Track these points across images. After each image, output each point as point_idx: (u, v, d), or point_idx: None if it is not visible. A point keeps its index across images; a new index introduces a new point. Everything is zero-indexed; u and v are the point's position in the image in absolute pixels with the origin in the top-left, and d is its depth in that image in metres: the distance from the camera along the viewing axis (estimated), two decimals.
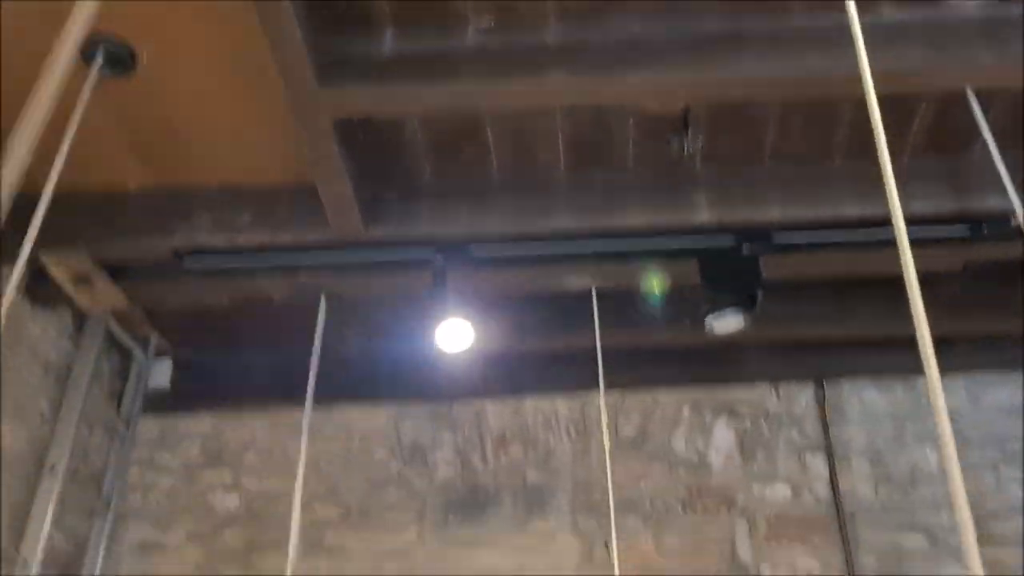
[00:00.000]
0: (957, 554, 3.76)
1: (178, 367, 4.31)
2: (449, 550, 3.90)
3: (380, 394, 4.22)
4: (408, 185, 3.37)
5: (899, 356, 4.28)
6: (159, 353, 4.30)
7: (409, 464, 4.11)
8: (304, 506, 4.06)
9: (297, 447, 3.87)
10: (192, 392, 4.26)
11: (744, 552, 3.84)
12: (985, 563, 3.95)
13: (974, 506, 4.30)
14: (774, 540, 3.86)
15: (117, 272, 3.54)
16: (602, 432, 3.93)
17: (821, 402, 4.15)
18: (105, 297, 3.58)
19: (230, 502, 4.07)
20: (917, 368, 4.68)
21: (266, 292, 3.56)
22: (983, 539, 4.00)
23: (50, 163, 2.40)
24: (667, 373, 4.20)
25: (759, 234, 3.36)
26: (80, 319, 3.87)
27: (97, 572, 3.82)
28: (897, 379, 4.17)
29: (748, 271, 3.30)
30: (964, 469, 4.42)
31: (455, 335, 3.41)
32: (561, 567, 3.83)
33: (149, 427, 4.22)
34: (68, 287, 3.49)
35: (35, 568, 3.37)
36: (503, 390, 4.19)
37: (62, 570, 3.69)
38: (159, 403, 4.24)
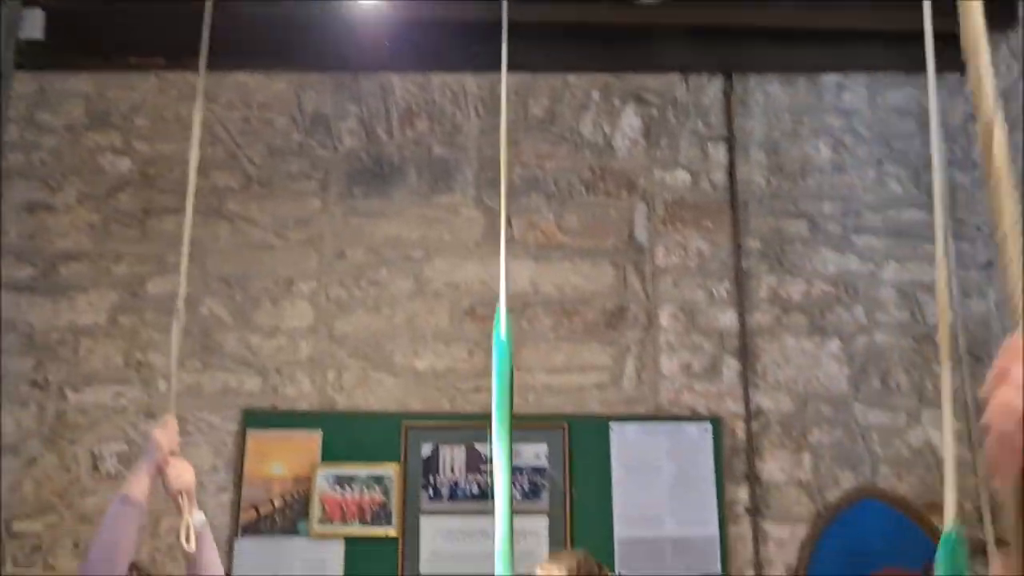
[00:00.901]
0: (833, 240, 4.02)
1: (52, 17, 3.91)
2: (353, 219, 3.90)
3: (280, 61, 3.99)
4: None
5: (807, 52, 4.30)
6: (29, 2, 3.88)
7: (311, 135, 3.99)
8: (201, 173, 3.93)
9: (190, 111, 3.67)
10: (71, 46, 3.92)
11: (640, 233, 3.99)
12: (858, 248, 4.18)
13: (855, 198, 4.48)
14: (670, 223, 4.01)
15: None
16: (508, 110, 3.88)
17: (728, 94, 4.17)
18: None
19: (121, 165, 3.91)
20: (822, 65, 4.68)
21: None
22: (860, 227, 4.22)
23: None
24: (579, 56, 4.10)
25: None
26: None
27: None
28: (801, 75, 4.21)
29: None
30: (851, 163, 4.56)
31: None
32: (465, 240, 3.91)
33: (25, 83, 3.90)
34: None
35: None
36: (410, 64, 4.02)
37: None
38: (34, 58, 3.88)
